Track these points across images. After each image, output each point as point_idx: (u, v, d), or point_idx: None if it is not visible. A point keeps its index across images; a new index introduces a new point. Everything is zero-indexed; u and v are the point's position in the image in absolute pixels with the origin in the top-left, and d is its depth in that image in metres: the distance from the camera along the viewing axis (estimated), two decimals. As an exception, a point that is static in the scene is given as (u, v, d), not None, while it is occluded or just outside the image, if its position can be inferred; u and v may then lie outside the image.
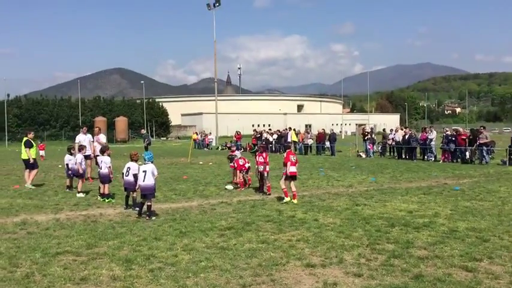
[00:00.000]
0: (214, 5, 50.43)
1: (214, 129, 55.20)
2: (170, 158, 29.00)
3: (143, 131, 36.49)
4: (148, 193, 9.42)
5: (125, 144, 62.66)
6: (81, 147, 13.91)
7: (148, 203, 9.37)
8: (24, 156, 14.91)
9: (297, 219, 9.11)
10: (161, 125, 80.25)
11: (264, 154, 12.89)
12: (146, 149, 31.04)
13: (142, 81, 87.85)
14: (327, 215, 9.56)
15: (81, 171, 13.11)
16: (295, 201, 11.00)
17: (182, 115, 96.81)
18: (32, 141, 15.13)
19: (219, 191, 13.26)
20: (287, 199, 11.07)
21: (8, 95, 69.74)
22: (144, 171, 9.50)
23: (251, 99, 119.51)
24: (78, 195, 12.40)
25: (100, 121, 66.10)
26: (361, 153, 28.56)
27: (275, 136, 34.34)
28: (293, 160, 11.28)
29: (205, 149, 42.49)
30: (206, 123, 77.49)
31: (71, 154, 13.87)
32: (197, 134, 46.68)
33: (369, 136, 28.80)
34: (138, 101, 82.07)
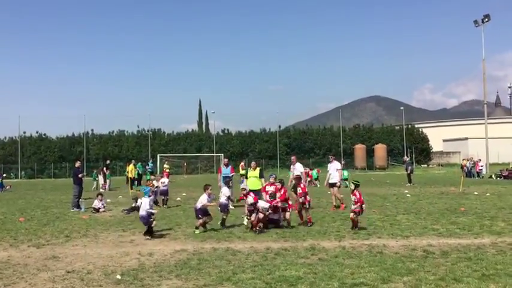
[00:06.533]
0: (482, 21, 46.29)
1: (482, 155, 50.10)
2: (438, 187, 27.16)
3: (406, 158, 35.59)
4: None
5: (384, 171, 62.42)
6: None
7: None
8: None
9: None
10: (421, 151, 77.10)
11: None
12: (409, 176, 29.96)
13: (401, 108, 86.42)
14: None
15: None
16: None
17: (444, 141, 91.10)
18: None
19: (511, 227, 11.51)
20: None
21: (280, 126, 77.57)
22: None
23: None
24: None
25: (359, 148, 67.76)
26: None
27: None
28: None
29: (475, 177, 38.69)
30: (472, 149, 71.00)
31: (209, 195, 11.91)
32: (467, 161, 42.77)
33: None
34: (397, 128, 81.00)
